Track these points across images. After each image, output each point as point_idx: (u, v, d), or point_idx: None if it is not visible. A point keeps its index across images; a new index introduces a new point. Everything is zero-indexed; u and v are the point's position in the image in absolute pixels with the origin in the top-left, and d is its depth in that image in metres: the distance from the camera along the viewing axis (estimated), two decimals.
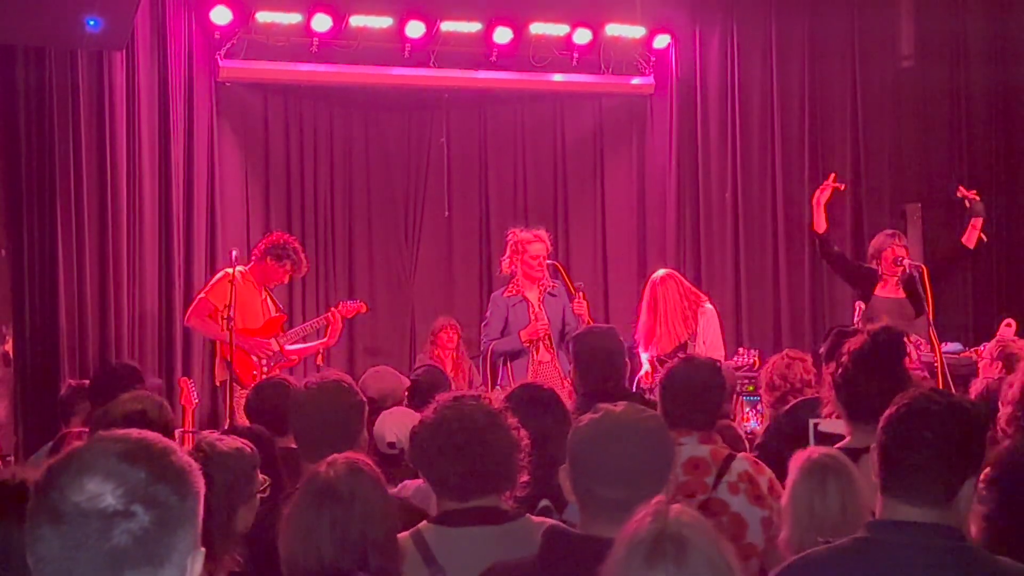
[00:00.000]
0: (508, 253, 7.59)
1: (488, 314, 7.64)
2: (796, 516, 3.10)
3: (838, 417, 3.76)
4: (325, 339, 7.75)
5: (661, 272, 7.79)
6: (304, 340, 7.83)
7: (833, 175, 8.02)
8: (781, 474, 3.75)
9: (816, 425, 4.01)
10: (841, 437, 3.82)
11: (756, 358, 7.62)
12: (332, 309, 7.83)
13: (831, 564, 2.55)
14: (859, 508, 3.05)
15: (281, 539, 2.76)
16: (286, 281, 7.74)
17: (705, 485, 3.70)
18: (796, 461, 3.18)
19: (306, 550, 2.69)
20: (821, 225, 7.79)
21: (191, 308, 7.63)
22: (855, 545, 2.53)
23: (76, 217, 7.86)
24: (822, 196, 7.78)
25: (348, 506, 2.69)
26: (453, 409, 3.03)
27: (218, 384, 7.66)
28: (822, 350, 5.63)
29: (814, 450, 3.28)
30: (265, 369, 7.22)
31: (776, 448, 4.61)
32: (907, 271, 7.40)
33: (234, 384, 7.14)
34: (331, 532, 2.68)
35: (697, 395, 3.86)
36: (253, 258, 7.59)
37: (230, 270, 7.28)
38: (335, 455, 2.86)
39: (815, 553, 2.63)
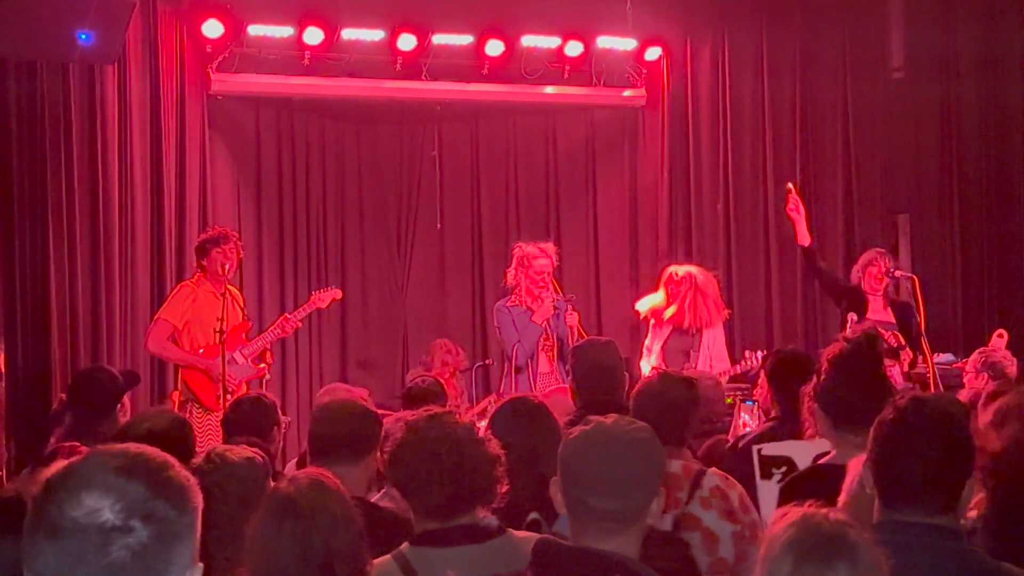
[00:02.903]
0: (513, 265, 7.65)
1: (497, 324, 7.70)
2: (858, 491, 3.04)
3: (822, 437, 3.64)
4: (261, 365, 7.39)
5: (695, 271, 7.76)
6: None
7: (789, 185, 8.01)
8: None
9: (760, 450, 3.99)
10: (785, 459, 3.83)
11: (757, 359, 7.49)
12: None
13: None
14: None
15: (246, 557, 2.72)
16: (236, 265, 7.38)
17: (678, 500, 3.66)
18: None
19: (269, 567, 2.66)
20: (805, 238, 7.77)
21: (149, 332, 7.37)
22: None
23: (68, 231, 7.83)
24: (791, 208, 7.76)
25: (309, 520, 2.66)
26: (435, 429, 3.00)
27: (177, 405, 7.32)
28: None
29: None
30: (231, 388, 6.82)
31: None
32: (898, 281, 7.34)
33: (194, 406, 7.04)
34: (292, 547, 2.64)
35: (668, 409, 3.83)
36: (195, 268, 7.37)
37: (189, 284, 7.26)
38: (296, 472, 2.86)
39: None
